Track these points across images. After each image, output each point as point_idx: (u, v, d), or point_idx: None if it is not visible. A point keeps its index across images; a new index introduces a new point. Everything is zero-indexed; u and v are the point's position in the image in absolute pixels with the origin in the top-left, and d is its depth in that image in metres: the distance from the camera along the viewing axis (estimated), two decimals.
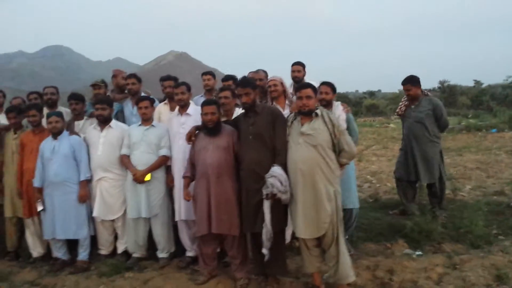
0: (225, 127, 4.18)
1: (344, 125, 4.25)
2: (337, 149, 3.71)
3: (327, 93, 4.50)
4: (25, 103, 5.48)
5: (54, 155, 4.67)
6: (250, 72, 5.25)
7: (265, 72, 5.29)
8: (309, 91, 3.74)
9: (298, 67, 5.49)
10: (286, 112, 4.48)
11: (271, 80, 4.73)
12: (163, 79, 5.25)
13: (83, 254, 4.81)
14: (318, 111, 3.74)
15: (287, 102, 4.70)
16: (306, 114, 3.75)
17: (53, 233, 4.71)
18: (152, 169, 4.60)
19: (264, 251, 3.73)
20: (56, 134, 4.72)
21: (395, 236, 5.05)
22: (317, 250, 3.81)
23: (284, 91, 4.75)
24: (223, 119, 4.35)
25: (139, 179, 4.55)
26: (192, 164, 4.24)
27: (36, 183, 4.72)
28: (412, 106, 5.65)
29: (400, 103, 5.91)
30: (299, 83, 4.93)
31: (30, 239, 5.06)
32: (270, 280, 4.02)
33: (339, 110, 4.53)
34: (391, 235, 5.10)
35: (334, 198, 3.66)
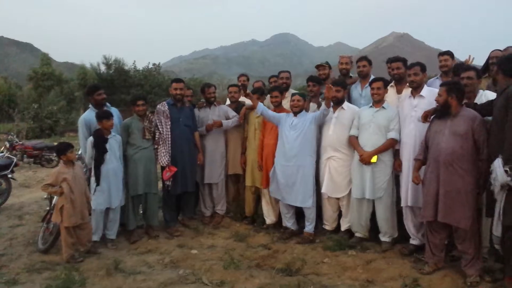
0: (465, 111, 3.87)
1: None
2: None
3: None
4: (265, 86, 6.09)
5: (291, 130, 5.07)
6: (494, 50, 4.70)
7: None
8: None
9: None
10: None
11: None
12: (391, 60, 5.10)
13: (309, 226, 5.15)
14: None
15: None
16: None
17: (285, 199, 5.15)
18: (379, 151, 4.59)
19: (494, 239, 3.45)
20: (297, 113, 5.13)
21: None
22: None
23: None
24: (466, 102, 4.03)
25: (365, 160, 4.61)
26: (426, 146, 4.08)
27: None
28: None
29: None
30: None
31: (265, 207, 5.64)
32: (506, 281, 3.59)
33: None
34: None
35: None
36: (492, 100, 3.81)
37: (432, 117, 4.12)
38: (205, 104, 5.91)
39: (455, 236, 3.94)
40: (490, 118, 3.76)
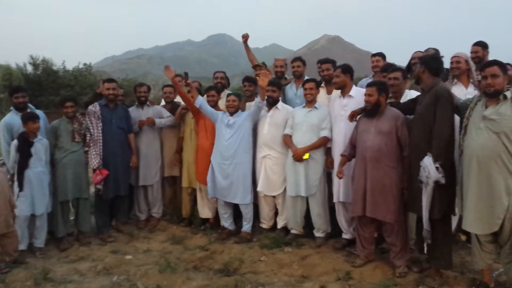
0: (390, 110, 4.07)
1: None
2: None
3: None
4: (201, 87, 6.06)
5: (228, 129, 5.09)
6: (416, 52, 4.98)
7: (435, 49, 4.96)
8: (495, 69, 3.30)
9: (477, 48, 4.91)
10: (469, 91, 4.15)
11: (455, 56, 4.40)
12: (322, 61, 5.26)
13: (246, 226, 5.19)
14: (508, 93, 3.28)
15: (471, 81, 4.33)
16: (492, 95, 3.32)
17: (224, 197, 5.15)
18: (311, 148, 4.73)
19: (425, 234, 3.62)
20: (232, 113, 5.15)
21: None
22: (490, 246, 3.46)
23: (468, 70, 4.36)
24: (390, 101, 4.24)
25: (298, 157, 4.72)
26: (352, 145, 4.25)
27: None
28: None
29: None
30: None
31: (200, 202, 5.58)
32: (431, 272, 3.84)
33: None
34: None
35: None
36: (413, 99, 4.02)
37: (358, 116, 4.29)
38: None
39: (383, 230, 4.13)
40: (411, 116, 3.97)
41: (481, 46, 4.91)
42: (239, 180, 5.06)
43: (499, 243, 3.42)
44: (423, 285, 3.69)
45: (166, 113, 5.77)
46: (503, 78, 3.34)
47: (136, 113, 5.74)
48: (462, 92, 4.28)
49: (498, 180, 3.24)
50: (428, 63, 3.75)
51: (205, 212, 5.59)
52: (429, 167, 3.43)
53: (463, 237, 4.50)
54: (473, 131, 3.40)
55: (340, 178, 4.33)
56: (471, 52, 4.92)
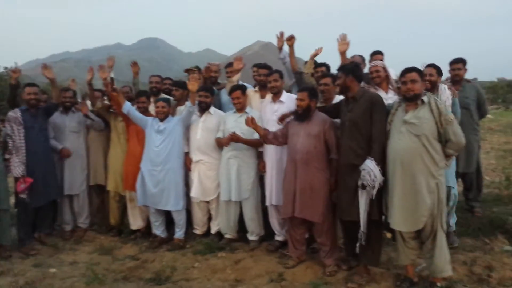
0: (318, 114, 4.20)
1: (450, 111, 3.98)
2: (443, 139, 3.50)
3: (432, 75, 4.28)
4: (132, 91, 5.89)
5: (158, 135, 4.98)
6: (354, 56, 5.18)
7: (361, 56, 5.17)
8: (414, 75, 3.53)
9: (459, 65, 5.14)
10: (389, 96, 4.37)
11: (373, 66, 4.60)
12: (258, 66, 5.27)
13: (179, 233, 5.11)
14: (425, 98, 3.52)
15: (390, 87, 4.56)
16: (411, 100, 3.55)
17: (156, 204, 5.03)
18: (247, 143, 4.72)
19: (360, 236, 3.72)
20: (162, 118, 5.04)
21: (494, 231, 4.75)
22: (413, 242, 3.68)
23: (387, 77, 4.58)
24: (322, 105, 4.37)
25: (230, 140, 4.64)
26: (276, 134, 4.35)
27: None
28: (457, 91, 4.98)
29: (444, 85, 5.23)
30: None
31: (131, 211, 5.43)
32: (360, 269, 3.97)
33: (446, 95, 4.30)
34: (490, 230, 4.79)
35: (435, 190, 3.48)
36: (336, 104, 4.19)
37: (288, 119, 4.39)
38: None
39: (313, 230, 4.25)
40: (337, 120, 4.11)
41: (434, 68, 5.19)
42: (171, 187, 4.97)
43: (421, 239, 3.64)
44: (352, 282, 3.81)
45: (95, 118, 5.56)
46: (421, 84, 3.58)
47: (60, 120, 5.47)
48: (384, 97, 4.50)
49: (421, 180, 3.46)
50: (355, 71, 3.90)
51: (137, 223, 5.44)
52: (373, 170, 3.55)
53: (389, 235, 4.71)
54: (395, 135, 3.60)
55: (262, 171, 4.55)
56: (452, 70, 5.15)
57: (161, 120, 5.05)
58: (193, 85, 4.80)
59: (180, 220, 5.08)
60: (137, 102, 5.33)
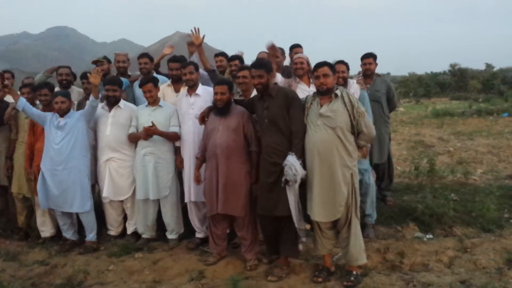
0: (235, 107, 4.15)
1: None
2: (356, 131, 3.64)
3: (343, 71, 4.46)
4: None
5: (58, 131, 4.64)
6: (260, 52, 5.15)
7: (281, 49, 5.18)
8: (326, 69, 3.62)
9: (369, 60, 5.31)
10: (311, 89, 4.40)
11: (298, 58, 4.62)
12: (171, 60, 5.09)
13: (90, 235, 4.82)
14: (338, 92, 3.64)
15: (311, 80, 4.61)
16: (324, 93, 3.64)
17: (60, 207, 4.70)
18: (162, 135, 4.54)
19: (299, 232, 3.76)
20: (62, 114, 4.69)
21: (405, 219, 5.01)
22: (330, 232, 3.77)
23: (309, 70, 4.62)
24: (240, 99, 4.31)
25: (149, 131, 4.44)
26: (205, 145, 4.22)
27: None
28: (368, 85, 5.34)
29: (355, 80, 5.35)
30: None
31: (40, 218, 5.05)
32: (280, 261, 4.00)
33: (354, 88, 4.48)
34: (401, 218, 5.06)
35: (350, 180, 3.60)
36: (250, 100, 4.17)
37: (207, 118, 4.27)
38: None
39: (235, 225, 4.21)
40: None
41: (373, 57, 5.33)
42: (75, 187, 4.64)
43: (337, 229, 3.74)
44: (272, 275, 3.83)
45: None
46: (333, 78, 3.69)
47: None
48: (306, 89, 4.56)
49: (337, 171, 3.56)
50: (269, 68, 3.87)
51: (47, 229, 5.07)
52: (295, 165, 3.56)
53: (308, 226, 4.80)
54: (312, 128, 3.68)
55: (198, 184, 4.29)
56: (364, 64, 5.31)
57: (61, 115, 4.69)
58: (95, 78, 4.52)
59: (89, 222, 4.79)
60: (39, 95, 4.93)
